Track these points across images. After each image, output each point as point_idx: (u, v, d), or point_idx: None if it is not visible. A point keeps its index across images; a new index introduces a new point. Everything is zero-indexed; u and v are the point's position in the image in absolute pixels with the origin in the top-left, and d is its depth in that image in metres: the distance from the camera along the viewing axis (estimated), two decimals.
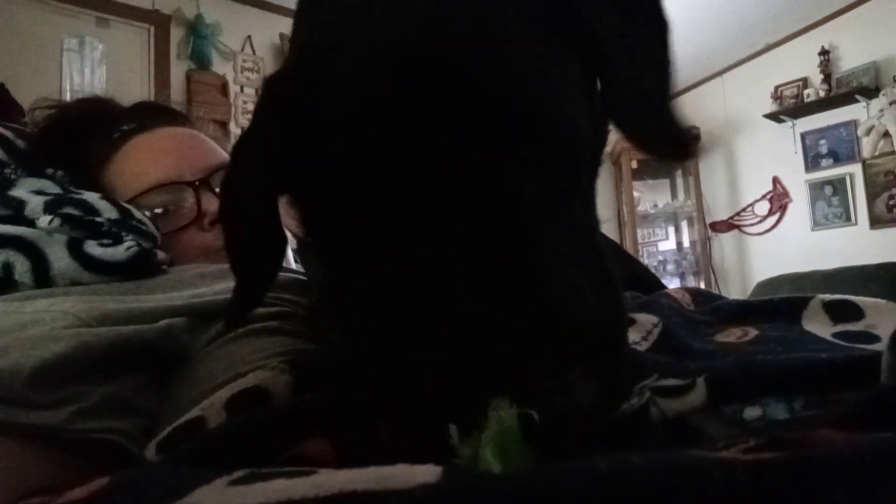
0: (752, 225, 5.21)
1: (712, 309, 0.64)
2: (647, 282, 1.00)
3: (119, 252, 0.62)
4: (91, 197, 0.69)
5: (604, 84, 0.44)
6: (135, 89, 3.34)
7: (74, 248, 0.60)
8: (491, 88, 0.35)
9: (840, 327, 0.52)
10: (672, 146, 0.44)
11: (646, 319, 0.59)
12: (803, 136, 4.82)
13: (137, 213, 0.72)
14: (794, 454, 0.21)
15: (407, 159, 0.36)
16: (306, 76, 0.41)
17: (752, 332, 0.54)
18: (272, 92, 0.44)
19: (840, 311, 0.54)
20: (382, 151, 0.36)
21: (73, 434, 0.44)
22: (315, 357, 0.53)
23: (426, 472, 0.23)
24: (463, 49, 0.36)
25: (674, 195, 5.67)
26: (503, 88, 0.36)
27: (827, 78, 4.62)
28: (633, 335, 0.56)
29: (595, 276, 0.38)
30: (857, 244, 4.41)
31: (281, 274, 0.69)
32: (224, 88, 3.90)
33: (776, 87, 4.93)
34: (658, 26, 0.46)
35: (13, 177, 0.74)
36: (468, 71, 0.35)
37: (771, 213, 5.06)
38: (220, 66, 3.88)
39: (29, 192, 0.67)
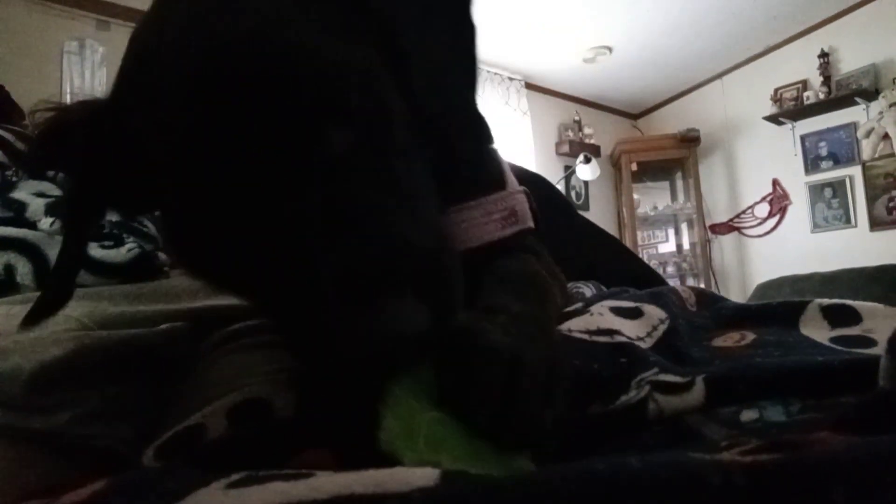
0: (751, 227, 5.20)
1: (712, 312, 0.64)
2: (647, 279, 1.00)
3: (120, 254, 0.62)
4: None
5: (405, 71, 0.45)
6: None
7: None
8: (267, 76, 0.37)
9: (837, 331, 0.52)
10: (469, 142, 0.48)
11: (654, 313, 0.59)
12: (803, 138, 4.82)
13: None
14: (791, 456, 0.21)
15: (214, 164, 0.37)
16: (116, 111, 0.44)
17: (750, 336, 0.54)
18: (91, 124, 0.48)
19: (837, 316, 0.54)
20: (191, 165, 0.37)
21: (71, 439, 0.44)
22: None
23: (424, 476, 0.23)
24: (237, 55, 0.37)
25: (673, 197, 5.66)
26: (279, 73, 0.37)
27: (826, 80, 4.62)
28: (639, 329, 0.56)
29: (415, 216, 0.41)
30: (857, 246, 4.41)
31: None
32: None
33: (776, 90, 4.93)
34: (465, 29, 0.49)
35: (14, 179, 0.74)
36: (244, 72, 0.37)
37: (771, 215, 5.06)
38: None
39: (30, 194, 0.67)
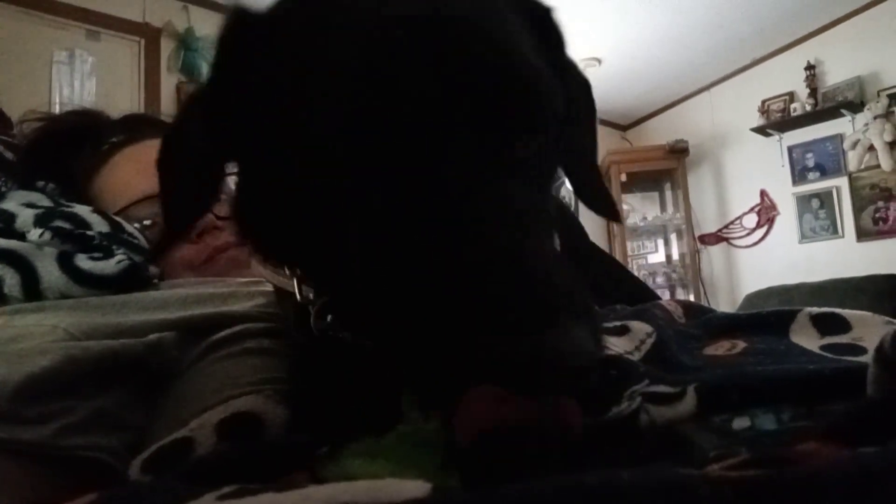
0: (740, 237, 5.24)
1: (702, 322, 0.64)
2: (646, 298, 1.01)
3: (109, 266, 0.62)
4: (82, 210, 0.68)
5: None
6: (124, 102, 3.32)
7: (65, 262, 0.60)
8: (491, 64, 0.38)
9: (827, 340, 0.53)
10: (601, 204, 0.50)
11: (640, 328, 0.59)
12: (790, 149, 4.87)
13: (128, 227, 0.72)
14: (780, 472, 0.22)
15: (399, 131, 0.36)
16: (295, 24, 0.41)
17: (741, 345, 0.54)
18: (239, 30, 0.44)
19: (827, 324, 0.55)
20: (375, 116, 0.36)
21: (58, 450, 0.43)
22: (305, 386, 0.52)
23: (415, 488, 0.23)
24: (466, 26, 0.38)
25: (663, 208, 5.69)
26: (505, 66, 0.38)
27: (813, 92, 4.67)
28: (627, 344, 0.57)
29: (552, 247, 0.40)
30: (844, 256, 4.45)
31: (267, 288, 0.68)
32: None
33: (763, 102, 4.98)
34: (587, 88, 0.54)
35: (3, 189, 0.73)
36: (471, 45, 0.37)
37: (759, 225, 5.09)
38: None
39: (19, 204, 0.66)
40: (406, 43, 0.37)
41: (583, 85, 0.55)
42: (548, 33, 0.49)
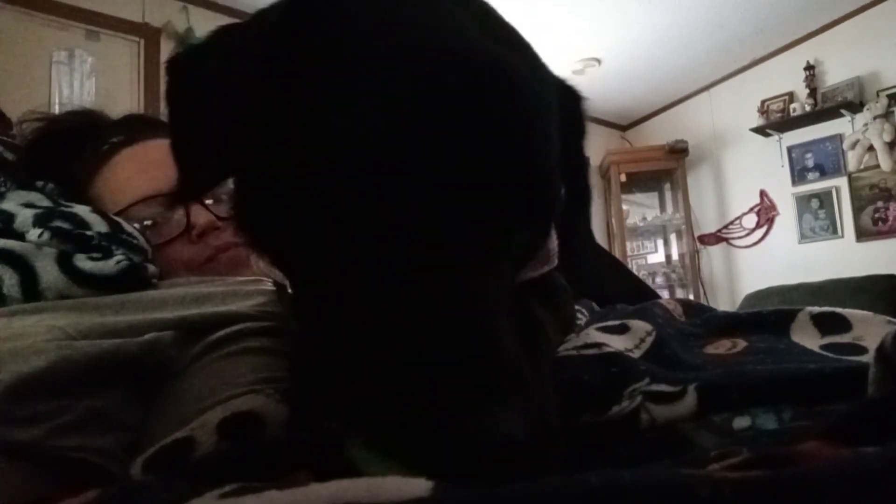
0: (739, 238, 5.24)
1: (703, 321, 0.64)
2: (647, 297, 1.01)
3: (109, 266, 0.61)
4: (81, 210, 0.68)
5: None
6: (124, 102, 3.32)
7: (64, 262, 0.59)
8: (523, 161, 0.39)
9: (828, 339, 0.53)
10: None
11: (640, 326, 0.60)
12: (790, 149, 4.87)
13: (128, 227, 0.72)
14: (780, 472, 0.22)
15: (414, 184, 0.36)
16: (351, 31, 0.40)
17: (742, 344, 0.55)
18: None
19: (828, 324, 0.55)
20: (402, 157, 0.36)
21: (49, 451, 0.43)
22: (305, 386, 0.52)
23: (418, 486, 0.23)
24: (522, 121, 0.39)
25: (662, 208, 5.70)
26: (532, 166, 0.40)
27: (812, 92, 4.67)
28: (626, 343, 0.57)
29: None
30: (843, 257, 4.45)
31: (268, 287, 0.68)
32: None
33: (763, 102, 4.98)
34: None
35: (2, 189, 0.73)
36: (514, 137, 0.38)
37: (758, 225, 5.10)
38: None
39: (18, 204, 0.66)
40: (463, 95, 0.37)
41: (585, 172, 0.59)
42: (572, 120, 0.52)
